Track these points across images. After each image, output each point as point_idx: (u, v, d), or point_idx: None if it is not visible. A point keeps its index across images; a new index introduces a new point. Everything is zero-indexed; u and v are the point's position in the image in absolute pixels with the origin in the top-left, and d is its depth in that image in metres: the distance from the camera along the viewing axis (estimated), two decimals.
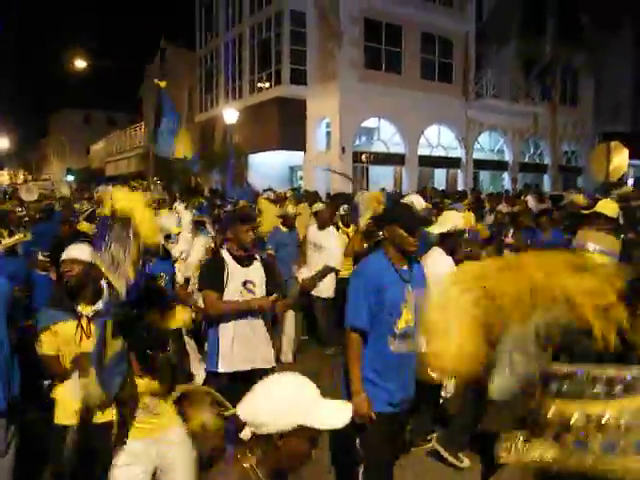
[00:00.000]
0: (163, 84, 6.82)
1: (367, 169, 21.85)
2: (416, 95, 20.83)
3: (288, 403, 1.58)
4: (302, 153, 21.95)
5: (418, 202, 5.97)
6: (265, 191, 12.38)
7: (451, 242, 4.35)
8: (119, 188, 2.73)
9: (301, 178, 23.23)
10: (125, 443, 2.64)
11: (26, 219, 8.86)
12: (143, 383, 2.66)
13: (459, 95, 22.67)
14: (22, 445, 3.33)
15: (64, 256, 3.06)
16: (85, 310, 3.01)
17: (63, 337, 3.02)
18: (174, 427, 2.73)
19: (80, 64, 26.24)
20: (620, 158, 11.77)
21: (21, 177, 42.82)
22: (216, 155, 21.40)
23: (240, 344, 3.78)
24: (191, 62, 27.73)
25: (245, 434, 1.62)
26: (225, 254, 3.95)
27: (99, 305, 3.00)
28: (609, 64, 25.40)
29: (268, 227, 6.88)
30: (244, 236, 3.88)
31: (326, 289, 6.65)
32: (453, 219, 4.50)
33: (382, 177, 21.27)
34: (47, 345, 3.01)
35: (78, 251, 3.05)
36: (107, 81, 62.19)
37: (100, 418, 2.94)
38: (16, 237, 5.48)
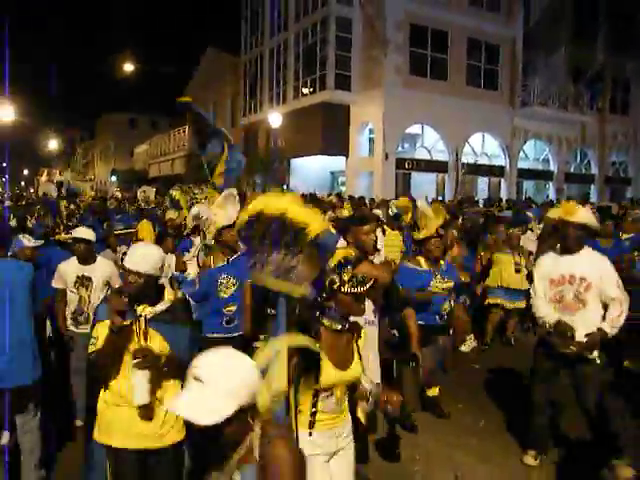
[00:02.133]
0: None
1: (409, 176, 21.70)
2: (461, 102, 20.60)
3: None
4: (343, 158, 21.96)
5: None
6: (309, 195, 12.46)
7: None
8: (257, 194, 2.62)
9: (342, 184, 23.23)
10: (311, 435, 2.53)
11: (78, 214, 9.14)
12: (337, 375, 2.55)
13: (505, 102, 22.32)
14: None
15: (128, 265, 2.87)
16: (144, 311, 2.89)
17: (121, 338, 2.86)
18: (349, 419, 2.72)
19: (128, 68, 26.87)
20: None
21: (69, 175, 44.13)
22: (259, 159, 21.60)
23: None
24: (236, 67, 28.08)
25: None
26: None
27: (159, 307, 2.92)
28: None
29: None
30: (366, 239, 3.38)
31: None
32: None
33: (424, 184, 21.10)
34: (102, 340, 2.85)
35: (143, 264, 2.87)
36: (152, 85, 63.45)
37: (160, 441, 2.85)
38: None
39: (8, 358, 3.47)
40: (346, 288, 2.48)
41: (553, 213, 4.20)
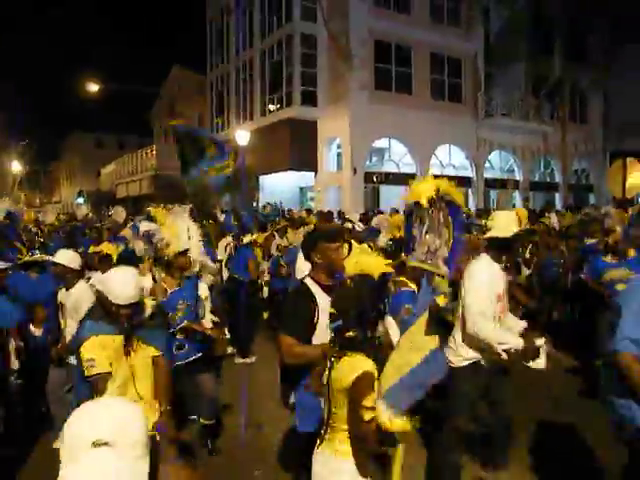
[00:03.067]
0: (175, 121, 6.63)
1: (378, 189, 21.87)
2: (427, 115, 20.93)
3: None
4: (312, 174, 22.02)
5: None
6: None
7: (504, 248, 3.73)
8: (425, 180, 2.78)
9: (311, 199, 23.28)
10: None
11: (41, 240, 8.94)
12: None
13: (469, 114, 22.76)
14: None
15: (120, 301, 2.85)
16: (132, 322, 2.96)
17: (114, 351, 2.84)
18: None
19: (92, 88, 26.55)
20: (636, 175, 11.76)
21: (37, 201, 43.32)
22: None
23: None
24: (202, 85, 28.05)
25: None
26: (310, 284, 3.04)
27: (144, 316, 3.01)
28: (617, 82, 25.46)
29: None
30: (335, 256, 2.99)
31: None
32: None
33: (393, 197, 21.26)
34: (101, 361, 2.76)
35: (133, 292, 2.90)
36: (117, 105, 62.95)
37: None
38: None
39: None
40: None
41: None
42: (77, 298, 4.52)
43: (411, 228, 2.36)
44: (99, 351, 2.75)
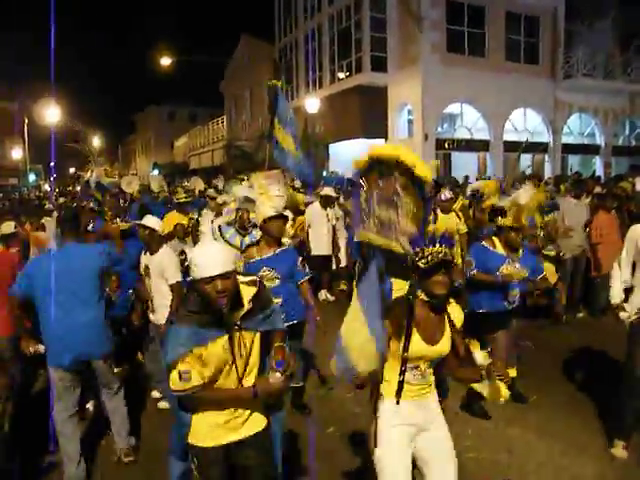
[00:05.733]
0: (279, 83, 6.45)
1: (450, 156, 21.37)
2: (501, 78, 20.10)
3: None
4: (383, 141, 21.72)
5: None
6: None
7: None
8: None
9: None
10: (398, 403, 2.61)
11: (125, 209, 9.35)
12: (425, 348, 2.61)
13: (547, 76, 21.65)
14: None
15: (212, 272, 2.33)
16: (234, 317, 2.48)
17: (213, 360, 2.44)
18: (434, 393, 2.78)
19: (165, 61, 27.21)
20: None
21: (116, 172, 45.48)
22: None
23: None
24: (270, 54, 28.10)
25: None
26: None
27: (246, 309, 2.52)
28: None
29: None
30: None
31: None
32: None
33: (466, 164, 20.73)
34: (196, 374, 2.41)
35: (227, 263, 2.41)
36: (188, 78, 64.31)
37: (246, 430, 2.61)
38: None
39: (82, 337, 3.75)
40: (421, 263, 2.53)
41: None
42: (161, 260, 4.68)
43: (359, 197, 2.07)
44: (193, 361, 2.41)
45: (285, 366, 2.45)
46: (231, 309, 2.44)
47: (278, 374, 2.44)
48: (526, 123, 22.30)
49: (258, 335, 2.58)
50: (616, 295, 4.05)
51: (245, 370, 2.55)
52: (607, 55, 22.06)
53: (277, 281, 4.40)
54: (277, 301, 4.36)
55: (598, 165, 23.52)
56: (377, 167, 2.12)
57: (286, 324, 4.34)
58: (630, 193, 9.06)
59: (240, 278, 2.59)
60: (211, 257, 2.37)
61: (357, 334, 2.19)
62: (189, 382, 2.39)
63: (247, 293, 2.55)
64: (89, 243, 4.75)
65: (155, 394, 5.21)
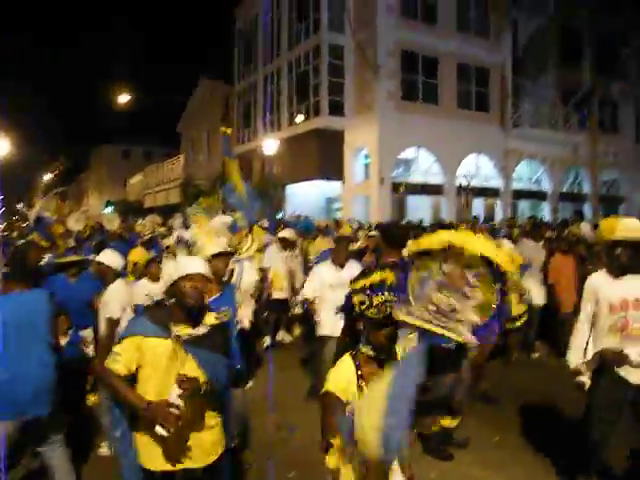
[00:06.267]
0: (229, 130, 6.53)
1: (405, 199, 21.79)
2: (454, 125, 20.85)
3: None
4: (339, 185, 22.04)
5: None
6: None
7: None
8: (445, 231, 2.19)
9: (338, 209, 23.28)
10: None
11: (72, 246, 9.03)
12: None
13: (497, 124, 22.60)
14: None
15: (190, 270, 2.67)
16: (182, 332, 2.66)
17: (150, 357, 2.61)
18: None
19: (122, 99, 27.04)
20: None
21: (66, 210, 44.19)
22: (254, 186, 21.62)
23: None
24: (229, 96, 28.38)
25: None
26: None
27: (200, 330, 2.70)
28: None
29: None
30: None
31: None
32: None
33: (421, 207, 21.16)
34: (124, 362, 2.59)
35: (203, 266, 2.77)
36: (145, 118, 63.95)
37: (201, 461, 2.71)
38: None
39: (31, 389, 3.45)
40: (370, 312, 2.37)
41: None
42: (109, 294, 4.55)
43: (407, 278, 1.98)
44: (130, 348, 2.62)
45: (185, 384, 2.50)
46: (185, 321, 2.65)
47: (176, 391, 2.48)
48: (478, 168, 23.06)
49: (194, 363, 2.62)
50: (573, 360, 3.82)
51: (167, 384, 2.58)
52: (550, 108, 23.29)
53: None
54: None
55: (546, 210, 24.46)
56: (443, 253, 2.00)
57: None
58: (580, 237, 9.41)
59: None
60: (196, 260, 2.85)
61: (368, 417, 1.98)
62: (114, 364, 2.58)
63: (209, 320, 2.77)
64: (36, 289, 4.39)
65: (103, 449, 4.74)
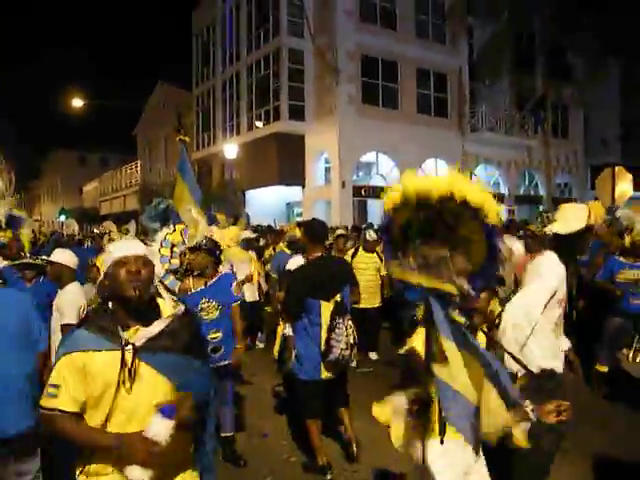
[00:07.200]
0: (187, 138, 6.32)
1: (366, 203, 21.90)
2: (413, 129, 21.10)
3: None
4: (299, 190, 22.00)
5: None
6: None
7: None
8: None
9: (298, 214, 23.21)
10: (442, 442, 1.92)
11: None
12: None
13: (455, 129, 23.00)
14: None
15: (125, 252, 2.05)
16: (134, 337, 2.00)
17: (99, 377, 1.95)
18: None
19: (77, 103, 26.36)
20: (624, 183, 11.88)
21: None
22: (213, 192, 21.38)
23: None
24: (187, 101, 28.00)
25: None
26: None
27: (154, 328, 2.02)
28: (597, 98, 26.00)
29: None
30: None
31: None
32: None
33: (381, 211, 21.24)
34: (69, 394, 1.94)
35: (137, 246, 2.13)
36: (100, 123, 62.63)
37: None
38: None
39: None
40: None
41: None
42: (64, 295, 4.27)
43: (391, 231, 1.83)
44: (69, 372, 1.95)
45: (174, 412, 1.88)
46: (137, 321, 2.01)
47: (159, 422, 1.86)
48: (437, 172, 23.36)
49: (161, 377, 2.00)
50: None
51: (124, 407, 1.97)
52: (505, 113, 23.88)
53: (217, 312, 4.25)
54: (216, 335, 4.20)
55: (504, 212, 24.97)
56: (418, 202, 1.83)
57: (222, 363, 4.11)
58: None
59: (163, 292, 2.18)
60: (127, 242, 2.24)
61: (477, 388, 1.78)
62: (54, 399, 1.94)
63: (167, 310, 2.10)
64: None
65: None
